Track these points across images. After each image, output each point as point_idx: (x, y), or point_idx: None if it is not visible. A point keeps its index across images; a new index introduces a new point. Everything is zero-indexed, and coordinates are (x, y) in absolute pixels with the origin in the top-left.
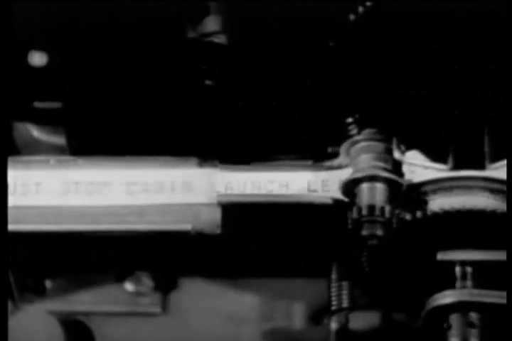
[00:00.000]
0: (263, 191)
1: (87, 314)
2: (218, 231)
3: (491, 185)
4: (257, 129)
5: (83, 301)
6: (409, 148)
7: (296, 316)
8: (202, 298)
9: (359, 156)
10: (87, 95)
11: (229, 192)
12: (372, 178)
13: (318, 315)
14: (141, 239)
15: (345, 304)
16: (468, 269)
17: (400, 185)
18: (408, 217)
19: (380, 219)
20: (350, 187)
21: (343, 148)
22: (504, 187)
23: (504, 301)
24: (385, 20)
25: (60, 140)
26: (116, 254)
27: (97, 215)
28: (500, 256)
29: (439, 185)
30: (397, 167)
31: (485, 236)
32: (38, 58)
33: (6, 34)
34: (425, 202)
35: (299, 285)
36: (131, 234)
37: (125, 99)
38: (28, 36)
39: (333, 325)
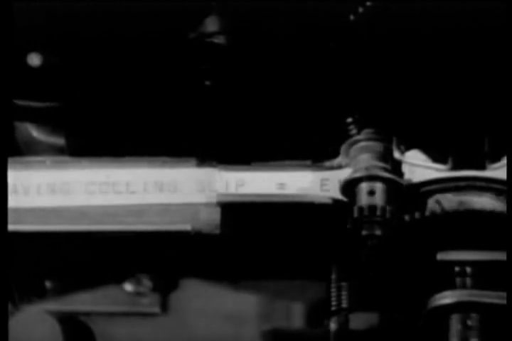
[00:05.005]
0: (262, 191)
1: (87, 314)
2: (217, 231)
3: (491, 185)
4: (257, 129)
5: (83, 301)
6: (409, 148)
7: (296, 316)
8: (201, 298)
9: (359, 156)
10: (87, 95)
11: (228, 192)
12: (371, 178)
13: (318, 315)
14: (140, 239)
15: (344, 304)
16: (468, 269)
17: (400, 184)
18: (408, 217)
19: (379, 219)
20: (349, 187)
21: (342, 148)
22: (504, 188)
23: (504, 302)
24: (385, 20)
25: (59, 140)
26: (115, 254)
27: (96, 216)
28: (500, 256)
29: (439, 185)
30: (396, 167)
31: (485, 236)
32: (37, 59)
33: (5, 34)
34: (425, 202)
35: (298, 285)
36: (130, 235)
37: (124, 100)
38: (28, 37)
39: (333, 326)
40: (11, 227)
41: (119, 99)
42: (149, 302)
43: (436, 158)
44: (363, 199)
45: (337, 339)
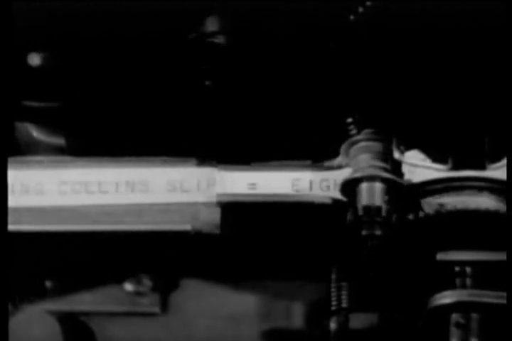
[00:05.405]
0: (262, 191)
1: (87, 314)
2: (217, 231)
3: (490, 185)
4: (257, 129)
5: (83, 301)
6: (409, 148)
7: (296, 316)
8: (201, 298)
9: (359, 156)
10: (87, 95)
11: (228, 191)
12: (371, 178)
13: (318, 315)
14: (140, 239)
15: (344, 304)
16: (468, 269)
17: (400, 185)
18: (408, 217)
19: (379, 219)
20: (349, 187)
21: (342, 148)
22: (504, 188)
23: (504, 301)
24: (385, 20)
25: (59, 140)
26: (115, 254)
27: (97, 215)
28: (500, 256)
29: (438, 185)
30: (396, 167)
31: (485, 236)
32: (37, 59)
33: (6, 34)
34: (424, 202)
35: (298, 285)
36: (130, 235)
37: (124, 100)
38: (28, 37)
39: (333, 326)
40: (11, 227)
41: (119, 99)
42: (149, 302)
43: (436, 158)
44: (363, 199)
45: (337, 339)
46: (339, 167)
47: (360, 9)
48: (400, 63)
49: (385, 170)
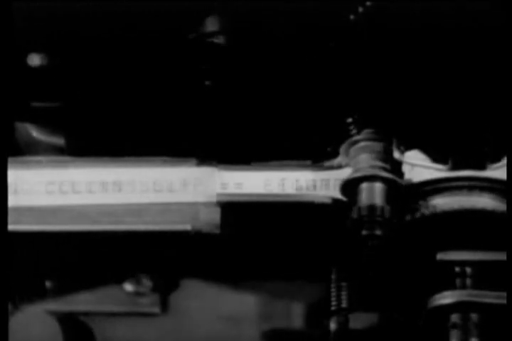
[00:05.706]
0: (262, 191)
1: (87, 314)
2: (217, 231)
3: (490, 185)
4: (257, 129)
5: (83, 301)
6: (409, 148)
7: (296, 316)
8: (201, 298)
9: (358, 156)
10: (87, 95)
11: (228, 191)
12: (371, 178)
13: (318, 315)
14: (140, 239)
15: (344, 304)
16: (468, 270)
17: (400, 184)
18: (408, 217)
19: (380, 219)
20: (349, 186)
21: (342, 148)
22: (504, 188)
23: (504, 301)
24: (385, 20)
25: (59, 140)
26: (115, 254)
27: (96, 215)
28: (500, 256)
29: (438, 185)
30: (396, 167)
31: (485, 236)
32: (37, 59)
33: (5, 35)
34: (425, 202)
35: (298, 285)
36: (130, 235)
37: (124, 100)
38: (28, 37)
39: (333, 326)
40: (11, 227)
41: (119, 99)
42: (149, 302)
43: (436, 158)
44: (364, 199)
45: (337, 339)
46: (339, 167)
47: (360, 9)
48: (400, 63)
49: (385, 170)
